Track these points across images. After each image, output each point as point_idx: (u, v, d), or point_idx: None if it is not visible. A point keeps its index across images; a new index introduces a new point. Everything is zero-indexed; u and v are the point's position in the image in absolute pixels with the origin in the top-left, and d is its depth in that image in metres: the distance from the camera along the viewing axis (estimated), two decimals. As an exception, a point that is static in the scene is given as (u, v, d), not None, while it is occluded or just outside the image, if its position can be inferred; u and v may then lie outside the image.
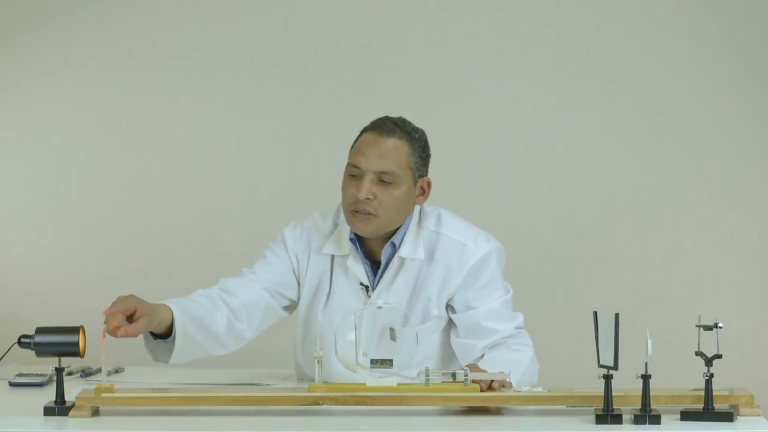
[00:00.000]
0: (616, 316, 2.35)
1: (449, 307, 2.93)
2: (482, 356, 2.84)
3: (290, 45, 4.27)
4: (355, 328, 2.55)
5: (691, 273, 4.19)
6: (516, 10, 4.22)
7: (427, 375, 2.51)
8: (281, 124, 4.23)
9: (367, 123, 2.96)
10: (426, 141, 2.95)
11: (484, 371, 2.58)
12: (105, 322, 2.57)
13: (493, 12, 4.23)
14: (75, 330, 2.54)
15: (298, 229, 3.00)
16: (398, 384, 2.52)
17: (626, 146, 4.20)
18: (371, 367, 2.53)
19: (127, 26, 4.32)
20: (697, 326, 2.41)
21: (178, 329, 2.76)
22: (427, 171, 2.95)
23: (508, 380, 2.54)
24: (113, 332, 2.57)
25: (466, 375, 2.51)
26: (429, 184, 2.95)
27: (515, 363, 2.76)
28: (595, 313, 2.41)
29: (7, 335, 2.94)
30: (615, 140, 4.20)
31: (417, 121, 4.24)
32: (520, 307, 4.20)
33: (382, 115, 4.31)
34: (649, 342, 2.35)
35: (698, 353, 2.39)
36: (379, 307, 2.69)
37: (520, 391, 2.53)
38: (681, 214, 4.19)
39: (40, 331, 2.55)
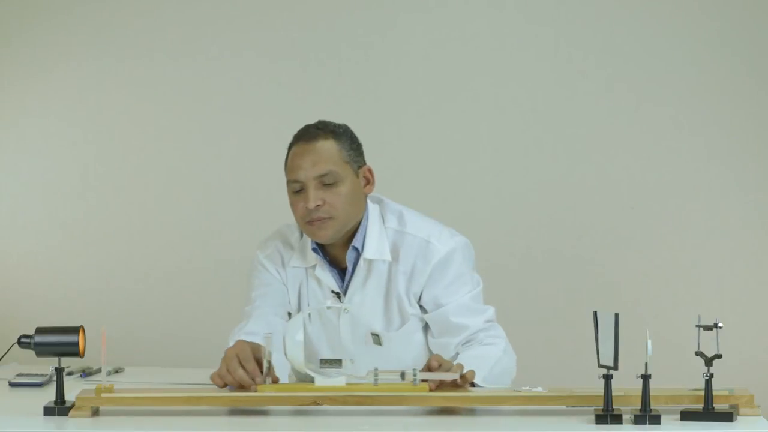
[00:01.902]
0: (616, 316, 2.35)
1: (421, 307, 2.93)
2: (457, 354, 2.84)
3: (290, 45, 4.27)
4: (304, 328, 2.54)
5: (691, 273, 4.18)
6: (516, 10, 4.22)
7: (375, 375, 2.50)
8: (281, 123, 4.21)
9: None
10: (352, 133, 2.94)
11: (448, 366, 2.57)
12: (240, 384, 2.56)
13: (493, 12, 4.23)
14: (75, 330, 2.54)
15: (270, 248, 3.01)
16: (348, 384, 2.51)
17: (626, 146, 4.20)
18: (321, 367, 2.53)
19: (126, 26, 4.32)
20: (697, 326, 2.41)
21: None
22: (364, 160, 2.94)
23: (458, 379, 2.51)
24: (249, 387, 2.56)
25: (414, 375, 2.50)
26: (371, 171, 2.94)
27: (484, 357, 2.76)
28: (595, 313, 2.41)
29: (7, 335, 2.94)
30: (615, 140, 4.20)
31: (417, 121, 4.27)
32: (520, 307, 4.23)
33: (381, 114, 4.33)
34: (649, 342, 2.35)
35: (698, 353, 2.39)
36: (346, 309, 2.69)
37: (519, 391, 2.52)
38: (681, 214, 4.19)
39: (40, 331, 2.55)
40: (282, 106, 4.23)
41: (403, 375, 2.51)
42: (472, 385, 2.63)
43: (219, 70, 4.30)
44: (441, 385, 2.52)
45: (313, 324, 2.97)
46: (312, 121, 2.96)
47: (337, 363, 2.53)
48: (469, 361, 2.70)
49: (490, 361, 2.77)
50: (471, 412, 2.52)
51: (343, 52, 4.26)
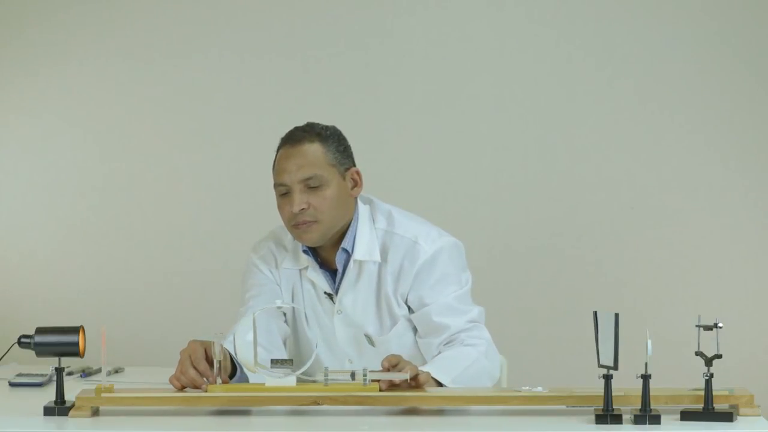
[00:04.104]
0: (616, 316, 2.35)
1: (409, 308, 2.93)
2: (439, 354, 2.83)
3: (290, 45, 4.27)
4: (254, 328, 2.54)
5: (691, 273, 4.19)
6: (516, 10, 4.22)
7: (326, 375, 2.50)
8: (281, 124, 4.21)
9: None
10: (340, 134, 2.93)
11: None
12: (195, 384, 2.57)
13: (493, 12, 4.23)
14: (75, 330, 2.54)
15: (263, 250, 3.02)
16: (298, 384, 2.51)
17: (626, 146, 4.20)
18: (272, 367, 2.52)
19: (126, 26, 4.32)
20: (697, 326, 2.41)
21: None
22: (352, 162, 2.93)
23: (408, 379, 2.50)
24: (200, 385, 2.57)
25: (364, 375, 2.50)
26: (358, 173, 2.93)
27: (459, 358, 2.76)
28: (595, 313, 2.41)
29: (7, 335, 2.94)
30: (615, 140, 4.20)
31: (417, 121, 4.27)
32: (520, 306, 4.22)
33: (381, 114, 4.33)
34: (649, 342, 2.35)
35: (698, 353, 2.39)
36: (279, 307, 2.68)
37: (520, 391, 2.52)
38: (681, 214, 4.19)
39: (40, 331, 2.55)
40: (282, 106, 4.23)
41: (353, 375, 2.51)
42: (439, 385, 2.64)
43: (219, 70, 4.30)
44: (392, 386, 2.51)
45: (311, 328, 2.97)
46: (311, 121, 2.96)
47: (288, 363, 2.53)
48: (443, 361, 2.71)
49: (464, 362, 2.76)
50: (471, 411, 2.52)
51: (343, 52, 4.26)
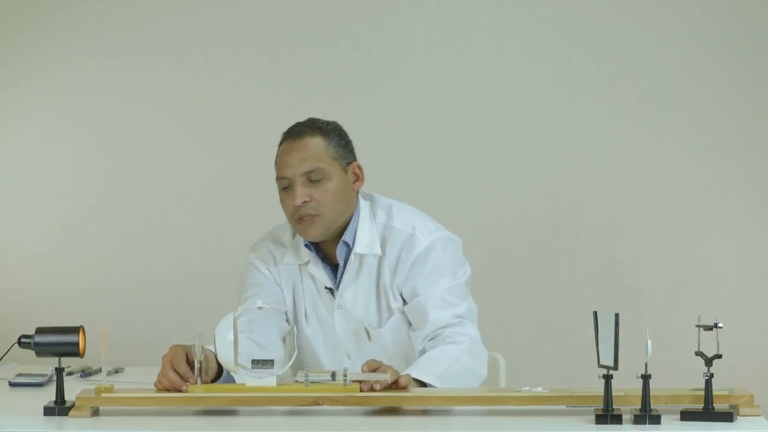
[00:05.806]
0: (616, 316, 2.35)
1: (403, 300, 2.92)
2: (423, 350, 2.83)
3: (291, 44, 4.27)
4: (234, 328, 2.54)
5: (691, 273, 4.19)
6: (516, 10, 4.22)
7: (306, 376, 2.50)
8: (281, 123, 4.21)
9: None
10: (341, 129, 2.94)
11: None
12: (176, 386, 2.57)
13: (493, 12, 4.23)
14: (75, 330, 2.54)
15: (261, 249, 3.01)
16: (278, 384, 2.51)
17: (626, 146, 4.20)
18: (252, 368, 2.52)
19: (126, 26, 4.32)
20: (697, 326, 2.41)
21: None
22: (354, 156, 2.94)
23: (388, 380, 2.50)
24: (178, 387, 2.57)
25: (345, 375, 2.49)
26: (360, 167, 2.94)
27: (440, 357, 2.74)
28: (595, 313, 2.41)
29: (7, 335, 2.94)
30: (615, 140, 4.20)
31: (417, 121, 4.28)
32: (520, 306, 4.22)
33: (381, 114, 4.33)
34: (649, 342, 2.35)
35: (698, 353, 2.39)
36: (260, 308, 2.68)
37: (520, 391, 2.52)
38: (681, 214, 4.19)
39: (40, 331, 2.55)
40: (282, 106, 4.23)
41: (333, 375, 2.51)
42: (424, 385, 2.63)
43: (219, 70, 4.30)
44: (373, 389, 2.49)
45: (310, 325, 2.97)
46: (311, 120, 2.97)
47: (268, 363, 2.52)
48: (424, 362, 2.71)
49: (446, 360, 2.74)
50: (471, 411, 2.52)
51: (343, 51, 4.26)
